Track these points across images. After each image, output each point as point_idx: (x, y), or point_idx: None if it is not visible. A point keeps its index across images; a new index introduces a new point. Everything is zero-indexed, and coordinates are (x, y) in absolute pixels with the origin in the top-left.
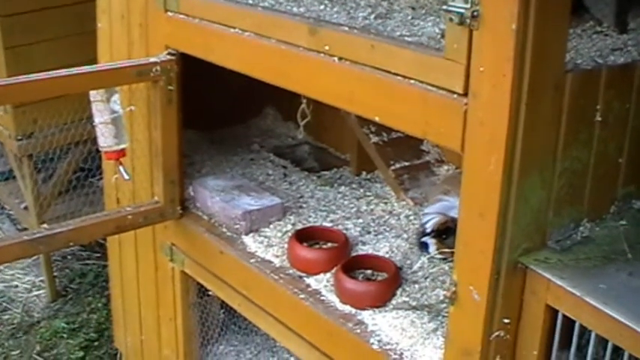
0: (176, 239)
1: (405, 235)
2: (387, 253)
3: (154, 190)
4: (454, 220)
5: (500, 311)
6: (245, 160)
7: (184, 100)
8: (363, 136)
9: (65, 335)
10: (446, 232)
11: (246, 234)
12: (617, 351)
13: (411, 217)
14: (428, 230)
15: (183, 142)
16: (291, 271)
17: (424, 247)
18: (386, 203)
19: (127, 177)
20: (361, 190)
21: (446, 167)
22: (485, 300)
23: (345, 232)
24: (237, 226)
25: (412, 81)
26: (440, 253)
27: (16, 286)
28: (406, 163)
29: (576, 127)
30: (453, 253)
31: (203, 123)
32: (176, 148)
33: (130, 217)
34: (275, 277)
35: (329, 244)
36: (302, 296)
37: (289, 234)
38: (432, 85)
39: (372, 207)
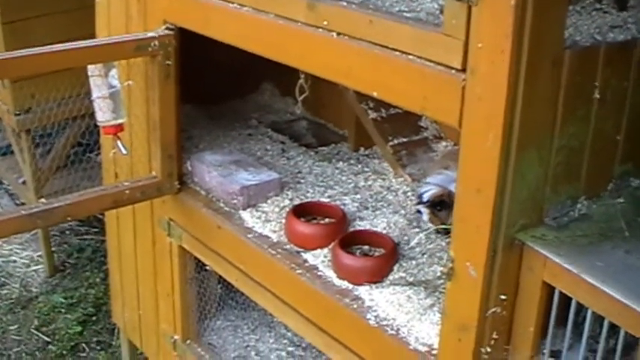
0: (174, 214)
1: (402, 211)
2: (385, 228)
3: (151, 165)
4: (451, 195)
5: (497, 287)
6: (243, 135)
7: (182, 74)
8: (361, 112)
9: (63, 310)
10: (440, 204)
11: (244, 209)
12: (614, 328)
13: (409, 194)
14: (424, 199)
15: (180, 116)
16: (288, 247)
17: (419, 214)
18: (384, 179)
19: (124, 152)
20: (359, 166)
21: (444, 144)
22: (481, 276)
23: (342, 207)
24: (235, 201)
25: (410, 56)
26: (429, 221)
27: (15, 261)
28: (404, 139)
29: (574, 103)
30: (444, 225)
31: (201, 98)
32: (174, 123)
33: (127, 191)
34: (272, 253)
35: (326, 220)
36: (299, 271)
37: (287, 209)
38: (431, 61)
39: (369, 183)
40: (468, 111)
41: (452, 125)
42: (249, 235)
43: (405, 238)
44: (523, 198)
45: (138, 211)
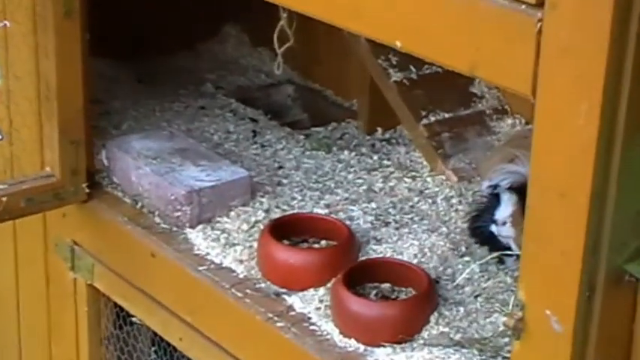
0: (80, 235)
1: (443, 229)
2: (416, 256)
3: (44, 157)
4: None
5: (597, 349)
6: (192, 108)
7: (94, 12)
8: (378, 72)
9: None
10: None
11: (193, 226)
12: None
13: (453, 200)
14: (504, 186)
15: (92, 79)
16: (263, 285)
17: (493, 204)
18: (414, 178)
19: None
20: (375, 158)
21: (509, 121)
22: (570, 332)
23: (348, 223)
24: (179, 214)
25: None
26: (512, 220)
27: None
28: (447, 115)
29: None
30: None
31: (125, 49)
32: (80, 89)
33: (4, 199)
34: (238, 295)
35: (323, 243)
36: (280, 324)
37: (261, 226)
38: None
39: (391, 184)
40: (546, 70)
41: (521, 93)
42: (202, 268)
43: (448, 270)
44: (636, 208)
45: (22, 230)
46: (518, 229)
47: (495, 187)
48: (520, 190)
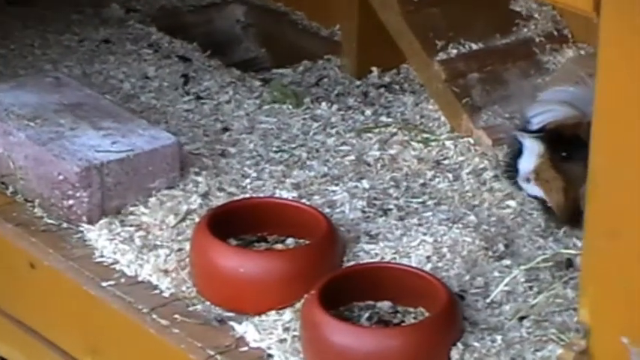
0: None
1: (471, 217)
2: (429, 260)
3: None
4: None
5: None
6: (90, 42)
7: None
8: None
9: None
10: (569, 142)
11: (93, 220)
12: None
13: (486, 175)
14: (533, 126)
15: None
16: (200, 307)
17: (516, 149)
18: (427, 142)
19: None
20: (368, 113)
21: (571, 53)
22: None
23: (328, 211)
24: (72, 203)
25: None
26: (537, 178)
27: None
28: (476, 46)
29: None
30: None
31: None
32: None
33: None
34: (162, 323)
35: (290, 242)
36: None
37: (196, 218)
38: None
39: (392, 151)
40: None
41: (577, 9)
42: (107, 284)
43: (478, 280)
44: None
45: None
46: (547, 187)
47: (526, 125)
48: (560, 134)
